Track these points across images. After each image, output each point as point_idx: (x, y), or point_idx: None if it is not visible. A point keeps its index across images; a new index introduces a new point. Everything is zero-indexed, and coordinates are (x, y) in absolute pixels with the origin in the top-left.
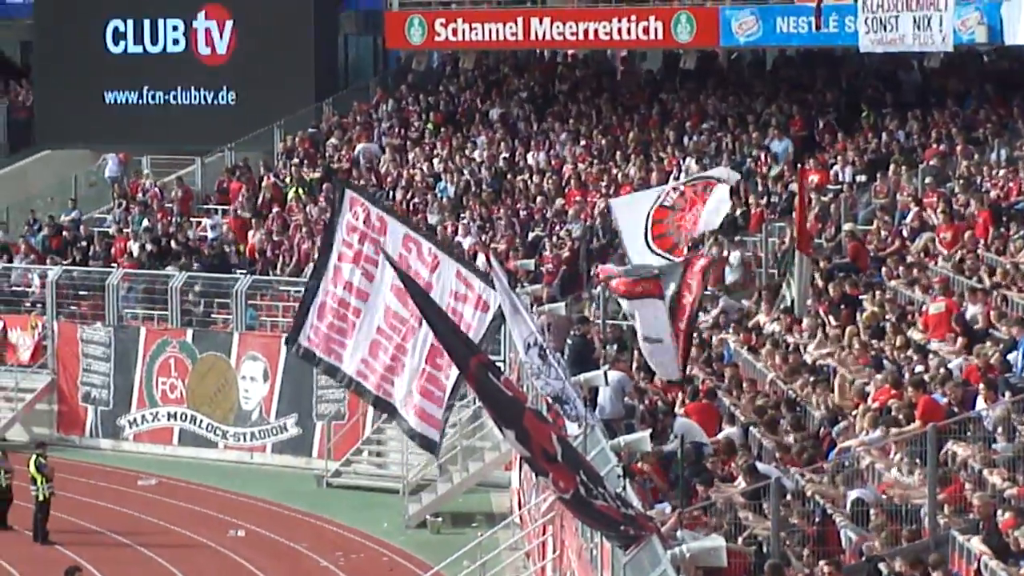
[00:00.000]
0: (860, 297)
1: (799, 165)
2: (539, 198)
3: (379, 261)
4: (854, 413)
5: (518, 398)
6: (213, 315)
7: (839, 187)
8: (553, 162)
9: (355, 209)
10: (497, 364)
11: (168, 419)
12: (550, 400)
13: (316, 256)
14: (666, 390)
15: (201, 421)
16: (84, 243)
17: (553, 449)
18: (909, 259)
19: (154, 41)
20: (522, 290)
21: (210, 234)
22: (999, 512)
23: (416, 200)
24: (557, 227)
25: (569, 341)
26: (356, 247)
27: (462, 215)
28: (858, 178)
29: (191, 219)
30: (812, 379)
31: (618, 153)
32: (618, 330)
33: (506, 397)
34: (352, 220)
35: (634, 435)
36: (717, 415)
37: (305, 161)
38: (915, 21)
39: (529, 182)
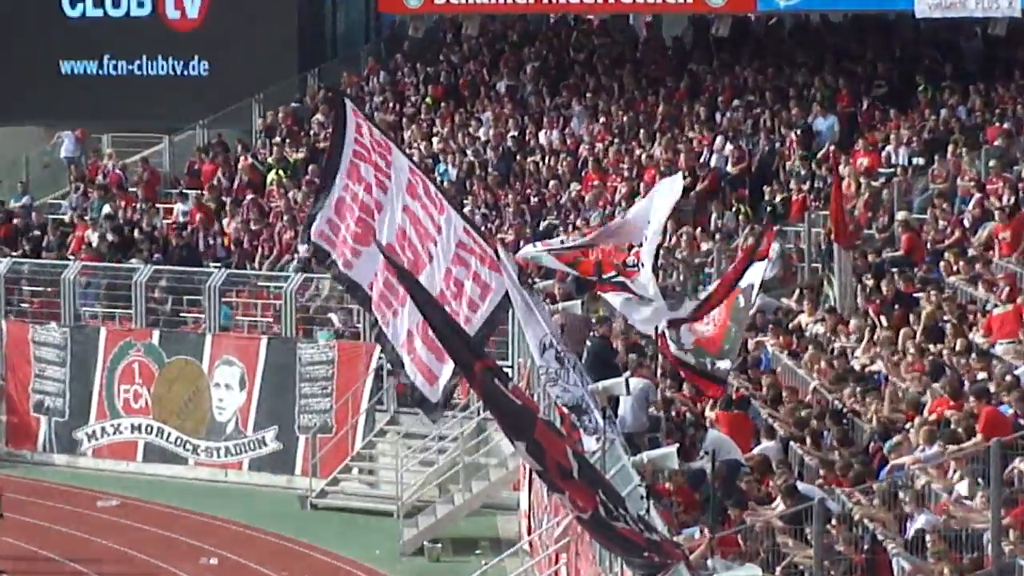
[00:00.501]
0: (915, 295)
1: (841, 147)
2: (552, 182)
3: (391, 175)
4: (908, 426)
5: (529, 407)
6: (183, 314)
7: (891, 171)
8: (568, 142)
9: (359, 123)
10: (504, 370)
11: (131, 432)
12: (565, 410)
13: (324, 160)
14: (696, 399)
15: (169, 434)
16: (37, 232)
17: (569, 464)
18: (971, 252)
19: (116, 4)
20: (533, 286)
21: (180, 221)
22: None
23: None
24: (572, 215)
25: (587, 344)
26: (367, 154)
27: (465, 201)
28: (914, 160)
29: (157, 205)
30: (860, 388)
31: (642, 132)
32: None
33: (516, 406)
34: (358, 135)
35: (659, 450)
36: (752, 428)
37: (287, 140)
38: None
39: (541, 164)
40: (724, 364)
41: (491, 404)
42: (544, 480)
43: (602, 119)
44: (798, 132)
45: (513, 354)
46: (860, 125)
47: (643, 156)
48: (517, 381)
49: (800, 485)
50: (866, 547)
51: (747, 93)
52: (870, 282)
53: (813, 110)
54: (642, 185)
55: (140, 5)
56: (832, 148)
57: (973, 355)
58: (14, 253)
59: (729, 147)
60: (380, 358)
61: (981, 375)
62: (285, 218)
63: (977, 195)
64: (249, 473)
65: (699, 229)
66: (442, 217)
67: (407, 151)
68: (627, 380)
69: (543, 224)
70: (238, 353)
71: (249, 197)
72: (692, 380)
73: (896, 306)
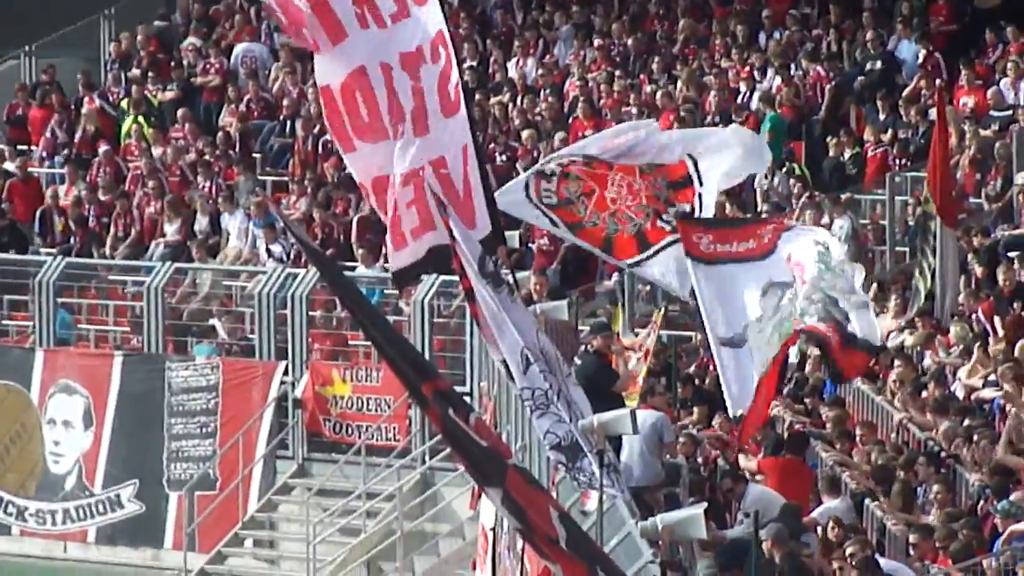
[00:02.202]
0: None
1: (940, 80)
2: (526, 132)
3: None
4: None
5: (496, 451)
6: (3, 321)
7: (1008, 114)
8: (551, 75)
9: None
10: (462, 397)
11: None
12: (552, 454)
13: None
14: (733, 438)
15: None
16: None
17: (554, 531)
18: None
19: None
20: (502, 279)
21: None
22: None
23: (328, 135)
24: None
25: (575, 363)
26: None
27: None
28: None
29: None
30: (966, 422)
31: (655, 60)
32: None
33: (479, 447)
34: None
35: (680, 512)
36: (811, 479)
37: (151, 73)
38: None
39: (511, 107)
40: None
41: (450, 440)
42: (528, 542)
43: (597, 42)
44: (875, 61)
45: (472, 375)
46: (963, 50)
47: (656, 94)
48: (480, 412)
49: (883, 561)
50: None
51: (803, 4)
52: (979, 272)
53: (895, 29)
54: None
55: None
56: (924, 82)
57: None
58: None
59: (778, 81)
60: (283, 382)
61: None
62: (149, 185)
63: None
64: (98, 547)
65: (733, 197)
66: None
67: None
68: (633, 413)
69: None
70: (81, 377)
71: (102, 151)
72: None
73: (1014, 306)
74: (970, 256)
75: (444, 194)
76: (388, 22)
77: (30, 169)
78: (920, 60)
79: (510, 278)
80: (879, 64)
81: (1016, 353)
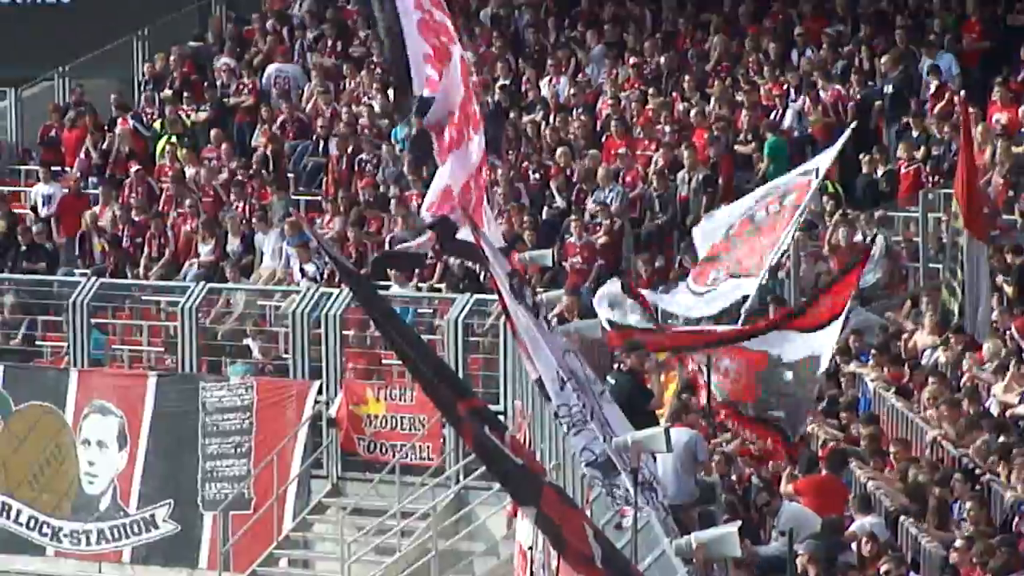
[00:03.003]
0: None
1: (971, 98)
2: (559, 150)
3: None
4: None
5: (531, 468)
6: (37, 342)
7: None
8: (583, 93)
9: None
10: (497, 415)
11: None
12: (587, 471)
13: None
14: (768, 456)
15: (19, 513)
16: None
17: (588, 549)
18: None
19: None
20: (535, 300)
21: (41, 211)
22: None
23: (362, 154)
24: (588, 197)
25: (610, 381)
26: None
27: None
28: None
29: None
30: (1001, 439)
31: (686, 78)
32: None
33: (514, 465)
34: None
35: (714, 530)
36: (846, 496)
37: (184, 94)
38: None
39: (543, 125)
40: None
41: (485, 458)
42: (566, 561)
43: (630, 60)
44: (908, 77)
45: (506, 394)
46: (998, 64)
47: (690, 112)
48: (514, 431)
49: None
50: None
51: (836, 22)
52: (1011, 289)
53: (929, 45)
54: (685, 155)
55: None
56: (957, 97)
57: None
58: None
59: (810, 99)
60: (317, 401)
61: None
62: (186, 204)
63: None
64: (133, 567)
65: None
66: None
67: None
68: (667, 431)
69: (546, 210)
70: (115, 397)
71: (134, 171)
72: (747, 427)
73: None
74: (1001, 275)
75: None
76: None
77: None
78: (952, 75)
79: (532, 298)
80: (912, 80)
81: None
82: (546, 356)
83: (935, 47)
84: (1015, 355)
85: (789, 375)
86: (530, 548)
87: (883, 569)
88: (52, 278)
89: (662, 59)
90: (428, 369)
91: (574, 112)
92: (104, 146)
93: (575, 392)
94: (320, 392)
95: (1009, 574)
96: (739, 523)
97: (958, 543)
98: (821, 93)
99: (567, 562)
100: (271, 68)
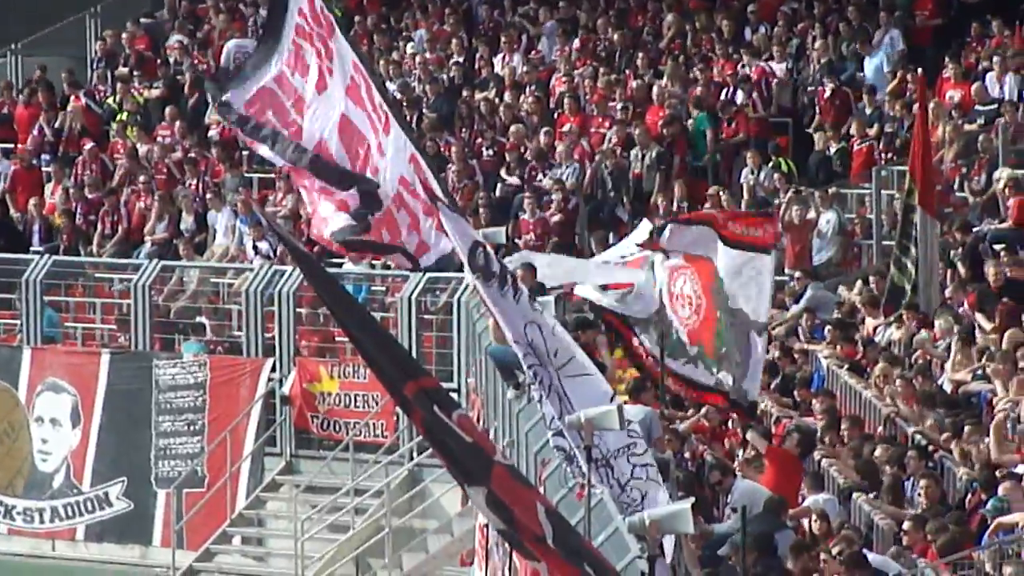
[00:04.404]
0: None
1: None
2: (513, 128)
3: (332, 68)
4: (1022, 471)
5: (482, 446)
6: None
7: (993, 108)
8: (536, 71)
9: None
10: (449, 394)
11: None
12: (553, 441)
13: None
14: (720, 435)
15: None
16: None
17: (540, 528)
18: None
19: None
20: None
21: None
22: None
23: None
24: (541, 174)
25: None
26: (310, 31)
27: None
28: None
29: None
30: (953, 416)
31: (639, 56)
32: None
33: (464, 443)
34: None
35: (667, 507)
36: (800, 473)
37: (137, 72)
38: None
39: (496, 102)
40: (724, 377)
41: (433, 440)
42: (511, 543)
43: (582, 37)
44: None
45: (459, 371)
46: (948, 43)
47: (642, 89)
48: (466, 409)
49: (871, 556)
50: None
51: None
52: (964, 266)
53: (880, 22)
54: (636, 132)
55: None
56: (910, 75)
57: None
58: None
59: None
60: (271, 379)
61: None
62: (139, 181)
63: None
64: (87, 545)
65: (722, 191)
66: (387, 138)
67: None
68: (621, 408)
69: (499, 187)
70: (68, 375)
71: (87, 149)
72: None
73: (1003, 299)
74: (953, 250)
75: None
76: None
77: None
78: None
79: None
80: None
81: (1004, 346)
82: (512, 325)
83: (889, 18)
84: (966, 333)
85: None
86: (486, 524)
87: (835, 550)
88: (4, 255)
89: (615, 36)
90: (377, 349)
91: (527, 89)
92: (57, 124)
93: (531, 369)
94: (273, 370)
95: (957, 551)
96: (692, 500)
97: (907, 523)
98: (746, 69)
99: (517, 547)
100: (230, 44)
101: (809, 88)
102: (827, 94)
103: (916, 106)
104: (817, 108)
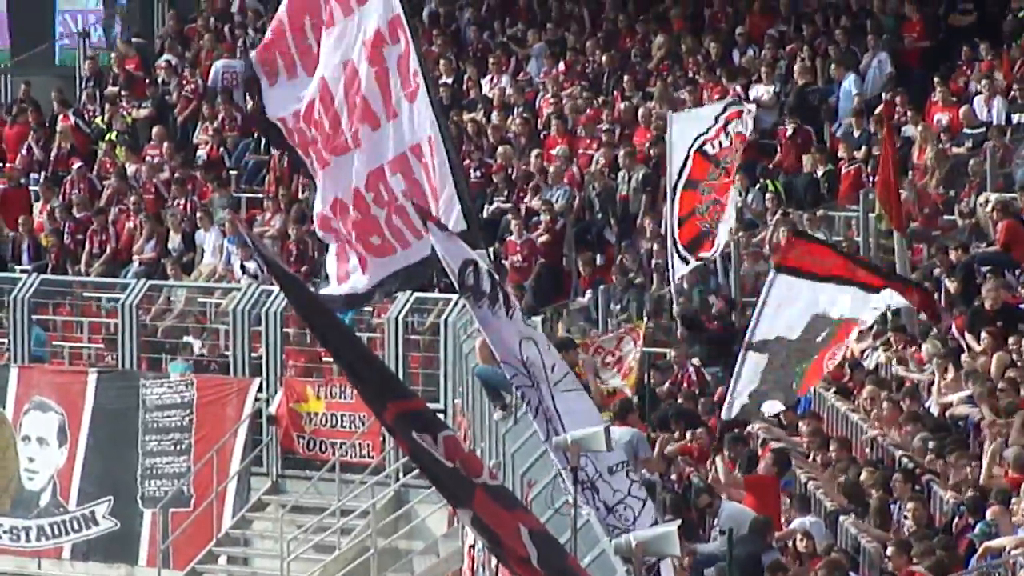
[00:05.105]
0: (1019, 307)
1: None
2: (500, 149)
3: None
4: (1013, 499)
5: (465, 470)
6: None
7: (980, 131)
8: (523, 92)
9: None
10: (435, 415)
11: None
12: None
13: None
14: (707, 456)
15: None
16: None
17: (525, 551)
18: None
19: None
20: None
21: None
22: None
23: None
24: (529, 196)
25: None
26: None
27: None
28: (1014, 118)
29: None
30: (940, 440)
31: (626, 78)
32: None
33: (445, 469)
34: None
35: (653, 529)
36: (778, 495)
37: (125, 91)
38: None
39: (484, 124)
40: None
41: (417, 463)
42: (500, 560)
43: (570, 59)
44: (850, 76)
45: (446, 392)
46: (936, 66)
47: (629, 110)
48: (453, 429)
49: None
50: None
51: (778, 22)
52: (953, 287)
53: (869, 45)
54: (621, 154)
55: None
56: (888, 97)
57: None
58: None
59: (752, 97)
60: (257, 399)
61: None
62: (129, 200)
63: None
64: (72, 564)
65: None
66: (371, 132)
67: None
68: (607, 429)
69: (488, 208)
70: (55, 394)
71: (75, 168)
72: None
73: (992, 322)
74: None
75: (426, 184)
76: (354, 5)
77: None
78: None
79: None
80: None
81: (993, 370)
82: (504, 344)
83: (877, 41)
84: (954, 355)
85: None
86: (472, 547)
87: (823, 571)
88: None
89: (603, 58)
90: (363, 371)
91: (515, 110)
92: (46, 143)
93: (519, 390)
94: (260, 389)
95: (945, 573)
96: (678, 522)
97: (890, 548)
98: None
99: (504, 563)
100: (218, 64)
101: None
102: (789, 133)
103: (884, 131)
104: (778, 146)
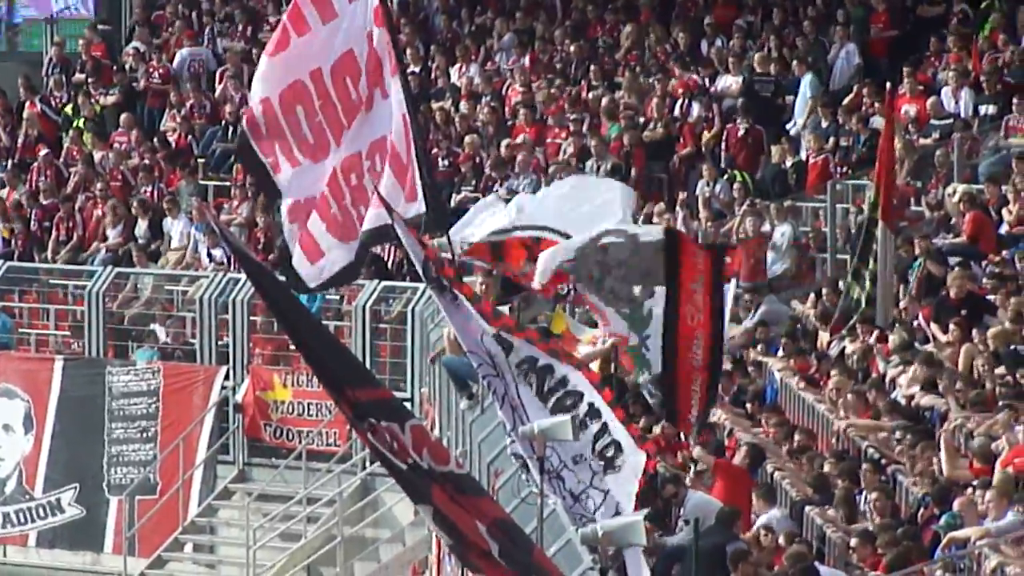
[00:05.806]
0: (985, 298)
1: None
2: (468, 138)
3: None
4: (974, 486)
5: (434, 460)
6: None
7: (947, 123)
8: (491, 82)
9: None
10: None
11: None
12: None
13: None
14: (674, 446)
15: None
16: None
17: (486, 544)
18: None
19: None
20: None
21: None
22: None
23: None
24: (497, 185)
25: None
26: None
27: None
28: (981, 109)
29: None
30: (906, 431)
31: (592, 68)
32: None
33: (398, 469)
34: None
35: (620, 519)
36: (749, 487)
37: (92, 78)
38: None
39: (452, 114)
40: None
41: (377, 455)
42: (459, 559)
43: (538, 48)
44: (816, 67)
45: (413, 380)
46: (904, 57)
47: (598, 101)
48: (420, 418)
49: (822, 569)
50: None
51: (746, 12)
52: (917, 277)
53: (834, 35)
54: (593, 144)
55: None
56: (866, 88)
57: None
58: None
59: (732, 84)
60: (224, 387)
61: None
62: (96, 188)
63: None
64: (38, 551)
65: (677, 205)
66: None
67: None
68: (574, 419)
69: (455, 199)
70: (21, 381)
71: (42, 155)
72: None
73: (958, 313)
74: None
75: (393, 170)
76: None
77: None
78: (854, 67)
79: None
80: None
81: (960, 362)
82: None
83: (844, 33)
84: (920, 345)
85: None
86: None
87: (789, 561)
88: None
89: (572, 48)
90: (326, 359)
91: (483, 100)
92: (12, 130)
93: (486, 379)
94: (227, 377)
95: (908, 564)
96: (645, 511)
97: (854, 539)
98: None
99: (465, 561)
100: (184, 51)
101: (728, 124)
102: (740, 132)
103: (883, 120)
104: (724, 145)
